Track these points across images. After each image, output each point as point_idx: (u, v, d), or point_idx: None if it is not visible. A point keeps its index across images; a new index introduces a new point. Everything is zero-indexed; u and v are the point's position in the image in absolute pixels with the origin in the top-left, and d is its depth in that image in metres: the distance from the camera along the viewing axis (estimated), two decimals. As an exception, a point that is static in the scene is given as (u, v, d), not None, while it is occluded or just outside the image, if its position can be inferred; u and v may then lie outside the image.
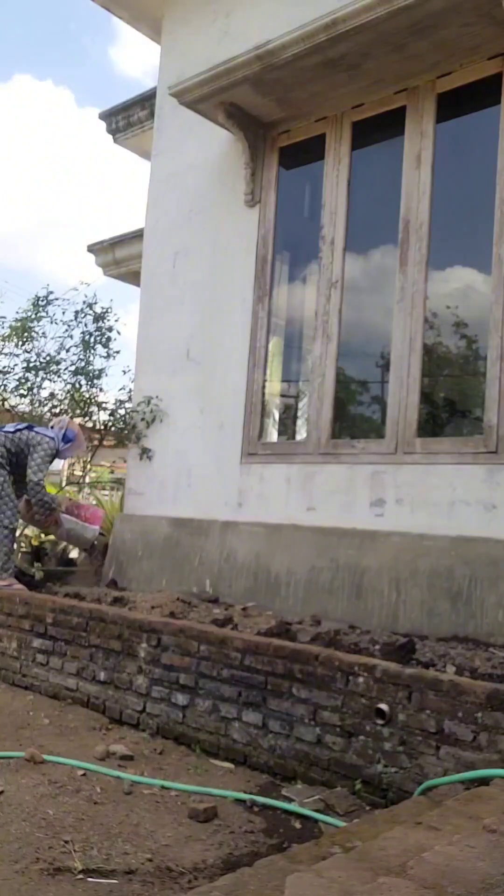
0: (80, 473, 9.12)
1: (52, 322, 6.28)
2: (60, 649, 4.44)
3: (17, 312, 6.35)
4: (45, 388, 6.29)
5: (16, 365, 6.31)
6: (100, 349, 6.28)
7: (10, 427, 5.45)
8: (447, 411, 5.05)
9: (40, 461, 5.20)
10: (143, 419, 5.88)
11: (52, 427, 5.52)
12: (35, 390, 6.23)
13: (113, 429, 6.33)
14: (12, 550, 5.18)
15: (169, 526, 5.63)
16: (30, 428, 5.41)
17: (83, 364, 6.22)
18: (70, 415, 6.14)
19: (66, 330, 6.27)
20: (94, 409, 6.36)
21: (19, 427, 5.43)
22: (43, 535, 8.65)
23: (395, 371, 4.67)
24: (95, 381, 6.25)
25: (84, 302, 6.28)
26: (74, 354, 6.25)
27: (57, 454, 5.41)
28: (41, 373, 6.22)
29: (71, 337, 6.27)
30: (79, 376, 6.21)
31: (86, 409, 6.35)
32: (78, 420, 6.13)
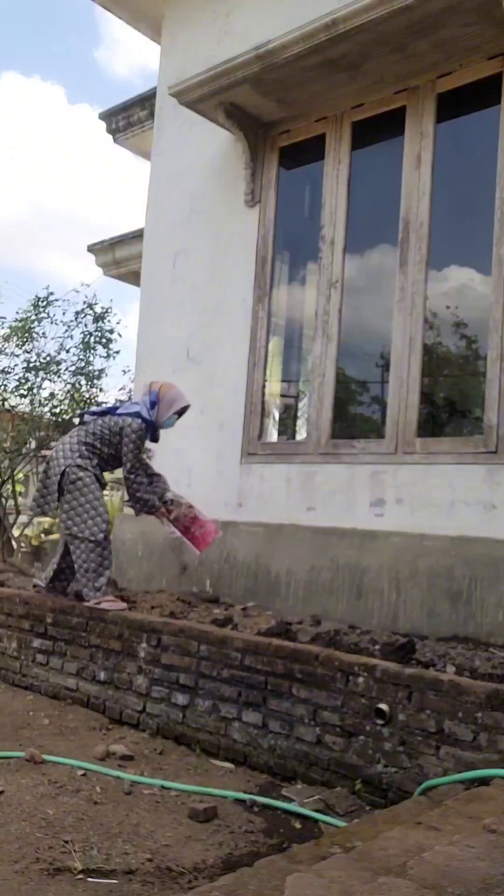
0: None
1: (52, 322, 6.29)
2: (60, 649, 4.44)
3: (17, 313, 6.36)
4: (45, 389, 6.30)
5: (16, 365, 6.32)
6: (100, 349, 6.28)
7: (96, 408, 4.84)
8: (447, 411, 5.05)
9: (127, 450, 4.55)
10: (143, 419, 5.87)
11: (143, 396, 4.77)
12: (35, 390, 6.24)
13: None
14: (103, 566, 4.47)
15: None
16: (112, 411, 4.74)
17: (83, 364, 6.23)
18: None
19: (67, 330, 6.28)
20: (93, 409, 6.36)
21: (106, 409, 4.81)
22: (43, 535, 8.67)
23: (395, 371, 4.66)
24: (95, 381, 6.25)
25: (84, 302, 6.29)
26: (74, 355, 6.26)
27: (153, 428, 4.69)
28: (41, 373, 6.23)
29: (71, 337, 6.29)
30: (79, 376, 6.22)
31: (86, 408, 6.35)
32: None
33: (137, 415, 4.57)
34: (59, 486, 4.51)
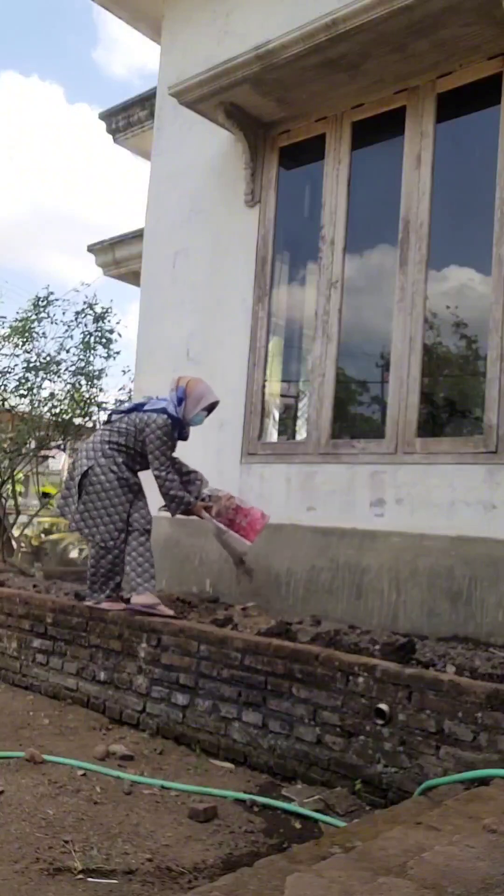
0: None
1: (52, 322, 6.29)
2: (60, 649, 4.44)
3: (18, 313, 6.35)
4: (45, 389, 6.29)
5: (16, 365, 6.31)
6: (100, 349, 6.28)
7: (125, 406, 4.60)
8: (447, 411, 5.05)
9: (153, 447, 4.34)
10: (143, 419, 5.87)
11: (171, 392, 4.52)
12: (35, 390, 6.23)
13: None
14: (111, 573, 4.34)
15: (169, 526, 5.63)
16: (139, 408, 4.51)
17: (83, 364, 6.22)
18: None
19: (67, 330, 6.27)
20: (94, 409, 6.35)
21: (133, 406, 4.58)
22: (43, 535, 8.67)
23: (395, 371, 4.66)
24: (95, 381, 6.25)
25: (84, 302, 6.29)
26: (74, 355, 6.25)
27: (181, 425, 4.48)
28: (41, 373, 6.22)
29: (71, 337, 6.29)
30: (79, 376, 6.21)
31: (86, 409, 6.34)
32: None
33: (164, 411, 4.38)
34: (79, 487, 4.38)
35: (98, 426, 6.42)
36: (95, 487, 4.34)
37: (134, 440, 4.39)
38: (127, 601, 4.35)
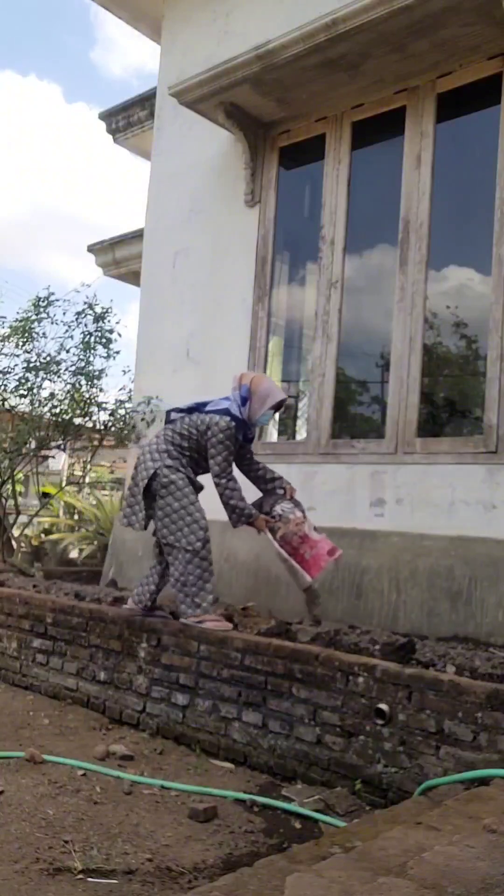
0: (80, 473, 9.13)
1: (52, 322, 6.27)
2: (60, 649, 4.44)
3: (18, 313, 6.34)
4: (45, 389, 6.27)
5: (16, 365, 6.30)
6: (100, 349, 6.26)
7: (186, 405, 4.28)
8: (447, 411, 5.05)
9: (215, 452, 4.05)
10: (143, 419, 5.88)
11: (233, 391, 4.20)
12: (35, 390, 6.22)
13: (113, 429, 6.32)
14: (203, 578, 3.93)
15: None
16: (200, 408, 4.20)
17: (83, 364, 6.21)
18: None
19: (67, 330, 6.26)
20: (94, 409, 6.34)
21: (193, 406, 4.25)
22: (43, 535, 8.67)
23: (395, 371, 4.67)
24: (95, 381, 6.24)
25: (85, 302, 6.28)
26: (75, 355, 6.24)
27: (245, 426, 4.17)
28: (41, 373, 6.21)
29: (71, 337, 6.27)
30: (79, 376, 6.20)
31: (86, 409, 6.33)
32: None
33: (227, 412, 4.08)
34: (147, 492, 4.07)
35: (98, 426, 6.43)
36: (169, 489, 4.02)
37: (196, 443, 4.12)
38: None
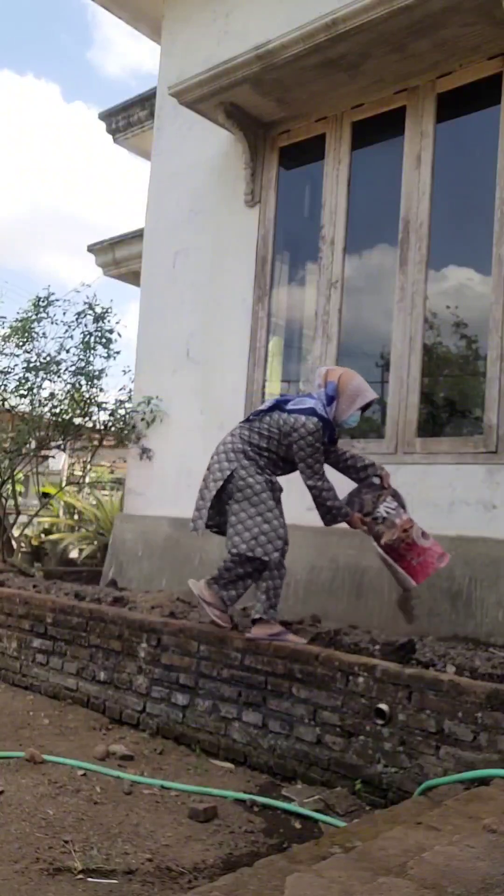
0: (80, 473, 9.13)
1: (52, 322, 6.27)
2: (60, 649, 4.44)
3: (18, 313, 6.34)
4: (45, 389, 6.28)
5: (16, 365, 6.30)
6: (100, 349, 6.26)
7: (265, 405, 3.94)
8: (447, 411, 5.05)
9: (304, 455, 3.74)
10: (143, 419, 5.88)
11: (318, 388, 3.87)
12: (35, 390, 6.22)
13: (113, 429, 6.32)
14: (276, 594, 3.71)
15: (169, 526, 5.63)
16: (279, 407, 3.84)
17: (83, 364, 6.21)
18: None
19: (67, 330, 6.26)
20: (94, 409, 6.34)
21: (274, 404, 3.88)
22: (43, 535, 8.66)
23: (395, 371, 4.67)
24: (95, 381, 6.24)
25: (85, 302, 6.28)
26: (74, 355, 6.24)
27: (331, 427, 3.84)
28: (41, 373, 6.21)
29: (71, 337, 6.27)
30: (79, 376, 6.20)
31: (86, 409, 6.34)
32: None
33: (312, 412, 3.73)
34: (218, 496, 3.79)
35: (98, 426, 6.43)
36: (246, 493, 3.72)
37: (277, 444, 3.79)
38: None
